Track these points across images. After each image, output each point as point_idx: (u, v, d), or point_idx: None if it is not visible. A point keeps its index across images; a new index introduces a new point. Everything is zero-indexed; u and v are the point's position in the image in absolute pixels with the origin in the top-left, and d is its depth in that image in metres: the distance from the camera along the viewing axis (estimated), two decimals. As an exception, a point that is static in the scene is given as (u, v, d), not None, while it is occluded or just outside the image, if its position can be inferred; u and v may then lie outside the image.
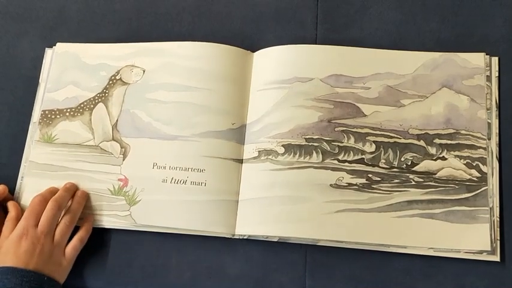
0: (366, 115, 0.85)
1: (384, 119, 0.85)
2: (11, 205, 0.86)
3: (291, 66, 0.88)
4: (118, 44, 0.94)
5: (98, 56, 0.94)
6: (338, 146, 0.84)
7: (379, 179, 0.82)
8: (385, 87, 0.86)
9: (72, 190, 0.87)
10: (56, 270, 0.80)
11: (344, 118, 0.85)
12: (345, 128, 0.85)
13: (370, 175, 0.82)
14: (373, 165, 0.83)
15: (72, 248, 0.83)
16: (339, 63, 0.87)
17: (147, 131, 0.88)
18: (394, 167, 0.82)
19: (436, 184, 0.81)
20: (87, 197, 0.87)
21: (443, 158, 0.82)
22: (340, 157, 0.84)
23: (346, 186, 0.82)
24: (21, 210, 0.85)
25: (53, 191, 0.86)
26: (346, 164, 0.83)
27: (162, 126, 0.88)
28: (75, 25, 0.99)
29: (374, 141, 0.84)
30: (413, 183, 0.81)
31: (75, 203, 0.85)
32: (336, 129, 0.85)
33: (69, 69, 0.94)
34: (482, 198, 0.80)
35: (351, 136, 0.84)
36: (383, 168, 0.83)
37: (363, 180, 0.82)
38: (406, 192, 0.81)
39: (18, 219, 0.83)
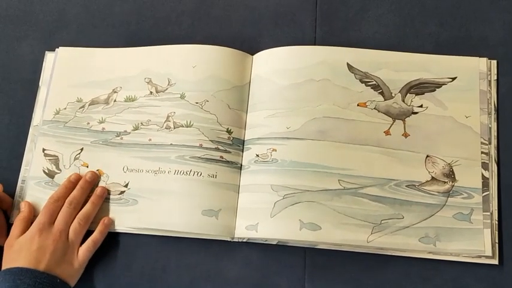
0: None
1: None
2: (23, 205, 0.86)
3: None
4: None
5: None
6: (338, 148, 0.84)
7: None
8: (384, 89, 0.86)
9: (88, 188, 0.87)
10: (67, 270, 0.81)
11: (343, 121, 0.85)
12: (344, 131, 0.85)
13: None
14: None
15: (86, 249, 0.83)
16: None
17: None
18: None
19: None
20: (104, 196, 0.87)
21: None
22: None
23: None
24: (33, 211, 0.86)
25: (67, 186, 0.86)
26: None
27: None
28: (74, 29, 0.99)
29: None
30: None
31: (90, 203, 0.85)
32: (336, 132, 0.85)
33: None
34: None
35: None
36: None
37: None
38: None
39: (29, 219, 0.84)
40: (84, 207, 0.85)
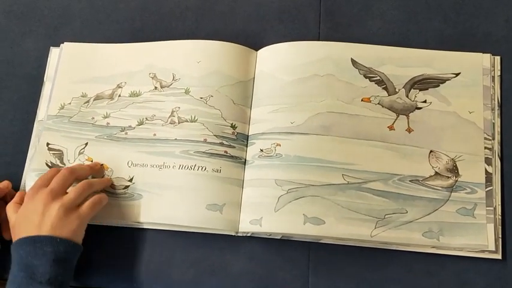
0: (369, 113, 0.86)
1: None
2: (18, 194, 0.85)
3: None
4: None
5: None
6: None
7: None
8: (389, 84, 0.87)
9: (95, 170, 0.87)
10: (68, 227, 0.78)
11: (347, 116, 0.86)
12: (347, 126, 0.85)
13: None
14: None
15: (88, 205, 0.81)
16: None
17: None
18: None
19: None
20: (109, 183, 0.87)
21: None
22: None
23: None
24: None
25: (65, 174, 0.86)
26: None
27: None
28: (79, 24, 0.99)
29: None
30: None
31: (96, 178, 0.86)
32: (339, 127, 0.85)
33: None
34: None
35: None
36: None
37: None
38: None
39: (21, 203, 0.83)
40: (90, 180, 0.85)
